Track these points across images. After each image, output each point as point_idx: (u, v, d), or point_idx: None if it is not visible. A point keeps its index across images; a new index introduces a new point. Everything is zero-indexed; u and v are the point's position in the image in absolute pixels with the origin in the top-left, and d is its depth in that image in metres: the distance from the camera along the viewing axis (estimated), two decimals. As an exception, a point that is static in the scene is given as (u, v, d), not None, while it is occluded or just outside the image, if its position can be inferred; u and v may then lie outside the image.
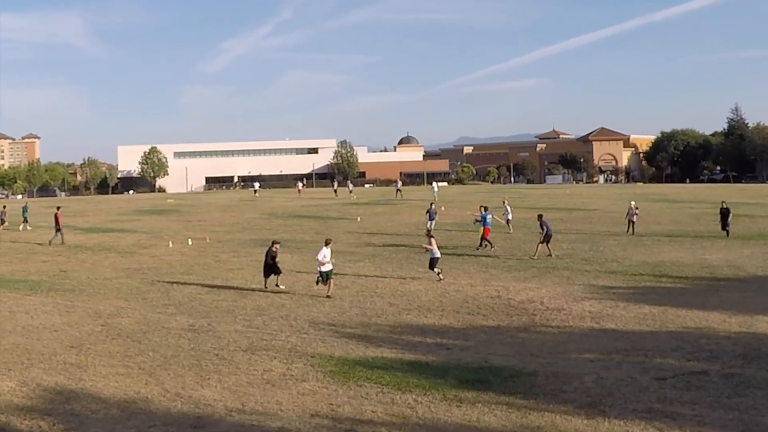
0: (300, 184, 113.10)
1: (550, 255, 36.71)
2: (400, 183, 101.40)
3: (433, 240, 31.58)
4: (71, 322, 24.02)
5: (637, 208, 48.83)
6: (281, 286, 29.46)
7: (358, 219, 61.93)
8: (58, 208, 50.24)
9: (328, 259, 27.86)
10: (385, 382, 16.84)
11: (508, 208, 50.13)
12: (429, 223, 46.86)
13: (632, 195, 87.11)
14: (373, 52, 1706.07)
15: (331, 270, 28.13)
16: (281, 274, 29.93)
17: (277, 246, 30.30)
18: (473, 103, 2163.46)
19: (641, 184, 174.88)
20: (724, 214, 45.94)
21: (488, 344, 20.45)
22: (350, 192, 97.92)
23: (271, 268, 29.54)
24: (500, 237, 45.83)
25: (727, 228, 45.38)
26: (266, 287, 29.48)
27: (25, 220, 57.65)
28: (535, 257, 36.39)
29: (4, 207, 59.97)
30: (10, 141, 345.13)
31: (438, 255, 31.39)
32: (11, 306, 26.97)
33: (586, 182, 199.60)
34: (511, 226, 49.04)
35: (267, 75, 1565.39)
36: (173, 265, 36.73)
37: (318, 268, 28.03)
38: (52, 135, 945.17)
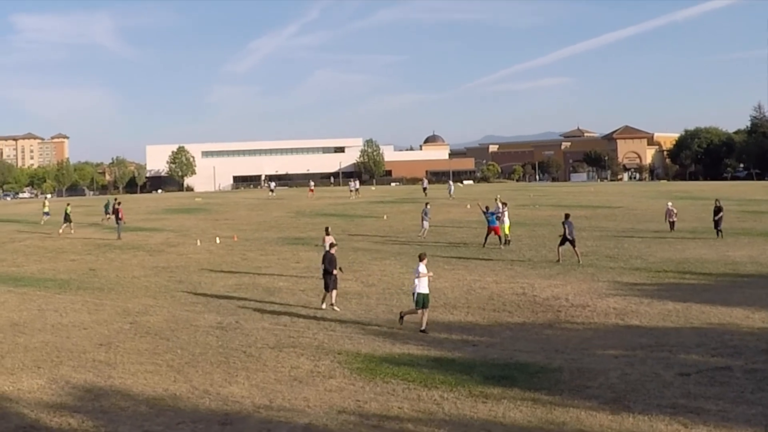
0: (312, 184, 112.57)
1: (578, 258, 34.83)
2: (426, 181, 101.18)
3: (328, 237, 31.65)
4: (100, 320, 24.26)
5: (674, 208, 48.03)
6: (336, 308, 25.20)
7: (384, 217, 61.98)
8: (120, 203, 53.30)
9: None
10: (412, 379, 16.94)
11: (499, 205, 50.54)
12: (424, 223, 46.33)
13: (657, 192, 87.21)
14: (399, 51, 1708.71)
15: (428, 294, 22.62)
16: (336, 290, 25.74)
17: (335, 248, 26.20)
18: (498, 102, 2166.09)
19: (665, 181, 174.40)
20: (716, 213, 43.99)
21: (514, 341, 20.54)
22: (356, 191, 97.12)
23: (328, 279, 25.24)
24: (526, 234, 45.95)
25: (718, 228, 43.55)
26: (323, 305, 25.53)
27: (107, 214, 61.83)
28: (579, 261, 34.78)
29: (116, 199, 61.85)
30: (40, 141, 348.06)
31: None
32: (41, 304, 27.23)
33: (611, 180, 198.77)
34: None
35: (294, 75, 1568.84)
36: (201, 264, 36.94)
37: (415, 290, 22.31)
38: (81, 135, 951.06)
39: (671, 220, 47.00)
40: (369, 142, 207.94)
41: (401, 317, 22.71)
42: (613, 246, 40.34)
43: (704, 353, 18.65)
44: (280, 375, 17.68)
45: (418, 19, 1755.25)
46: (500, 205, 47.71)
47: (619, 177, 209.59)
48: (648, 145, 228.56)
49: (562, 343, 20.23)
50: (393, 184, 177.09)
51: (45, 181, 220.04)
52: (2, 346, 20.97)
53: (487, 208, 42.05)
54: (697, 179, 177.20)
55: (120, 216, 50.63)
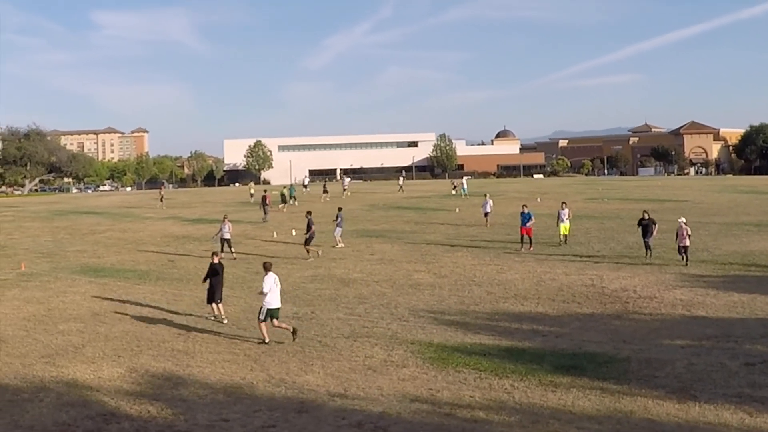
0: (347, 180, 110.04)
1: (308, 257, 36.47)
2: (457, 181, 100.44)
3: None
4: (179, 310, 24.94)
5: (687, 227, 32.84)
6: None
7: (457, 210, 62.32)
8: (266, 191, 61.26)
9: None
10: (483, 368, 17.29)
11: (490, 201, 50.62)
12: (337, 230, 41.97)
13: (722, 186, 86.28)
14: (470, 48, 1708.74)
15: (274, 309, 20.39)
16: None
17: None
18: (568, 98, 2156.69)
19: (731, 176, 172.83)
20: (645, 226, 34.66)
21: (583, 331, 20.80)
22: (400, 188, 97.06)
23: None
24: (594, 227, 45.96)
25: (647, 242, 34.50)
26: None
27: (294, 198, 72.03)
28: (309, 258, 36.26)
29: (326, 182, 64.60)
30: (120, 135, 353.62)
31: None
32: (121, 295, 27.99)
33: (677, 174, 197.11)
34: (488, 220, 50.11)
35: (368, 71, 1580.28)
36: (277, 255, 37.29)
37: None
38: (160, 129, 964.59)
39: (682, 244, 32.43)
40: (442, 137, 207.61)
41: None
42: (680, 238, 40.24)
43: (770, 344, 18.75)
44: (355, 364, 18.07)
45: (489, 16, 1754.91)
46: (489, 201, 48.61)
47: (686, 171, 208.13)
48: (714, 140, 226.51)
49: (629, 333, 20.46)
50: (465, 177, 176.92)
51: (125, 174, 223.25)
52: (83, 336, 21.65)
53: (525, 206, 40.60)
54: (761, 174, 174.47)
55: (267, 202, 57.15)
